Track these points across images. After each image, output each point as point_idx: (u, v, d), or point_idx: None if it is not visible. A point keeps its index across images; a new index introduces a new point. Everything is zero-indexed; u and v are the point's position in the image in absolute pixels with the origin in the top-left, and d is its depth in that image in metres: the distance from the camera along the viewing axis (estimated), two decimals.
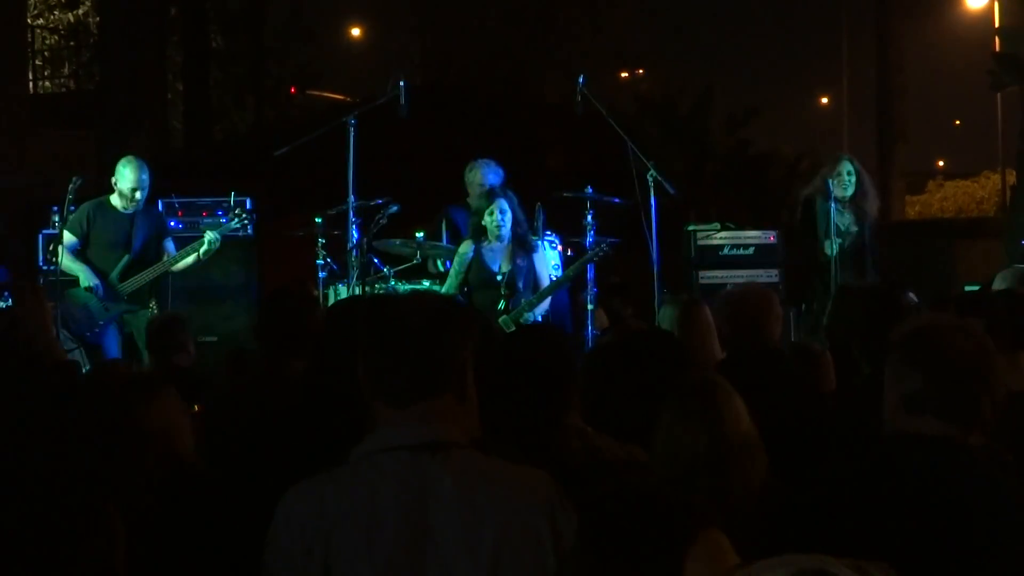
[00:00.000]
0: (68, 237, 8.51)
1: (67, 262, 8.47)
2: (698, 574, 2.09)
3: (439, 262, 9.51)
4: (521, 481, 2.74)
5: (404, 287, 9.11)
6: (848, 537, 2.85)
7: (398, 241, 9.28)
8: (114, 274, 8.49)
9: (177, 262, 8.64)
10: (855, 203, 9.00)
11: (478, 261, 8.61)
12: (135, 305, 8.52)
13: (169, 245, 8.86)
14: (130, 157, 8.79)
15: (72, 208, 8.52)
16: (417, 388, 2.71)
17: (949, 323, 2.95)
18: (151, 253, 8.68)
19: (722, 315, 5.58)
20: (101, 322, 8.37)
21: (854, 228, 8.93)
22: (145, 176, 8.60)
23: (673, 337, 5.00)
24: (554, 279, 8.82)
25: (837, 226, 8.83)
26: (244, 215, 8.95)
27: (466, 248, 8.66)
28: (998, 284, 7.59)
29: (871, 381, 4.67)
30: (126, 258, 8.53)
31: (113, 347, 8.36)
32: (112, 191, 8.67)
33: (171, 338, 6.64)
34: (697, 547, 2.13)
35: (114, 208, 8.64)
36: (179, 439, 3.71)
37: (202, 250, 8.56)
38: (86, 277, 8.43)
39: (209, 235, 8.58)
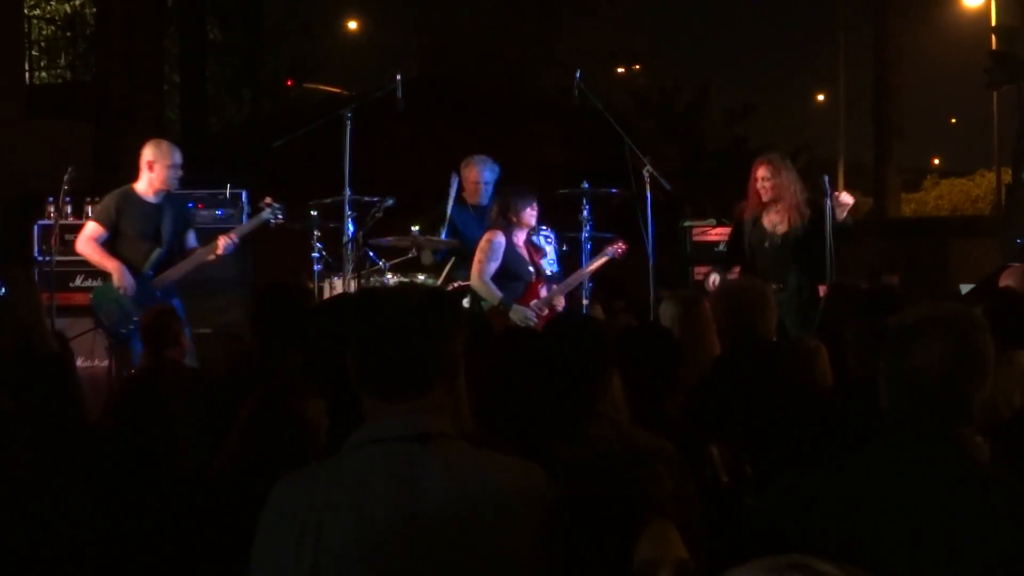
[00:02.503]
0: (96, 228, 8.31)
1: (96, 256, 8.28)
2: (647, 553, 2.46)
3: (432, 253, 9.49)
4: (510, 471, 2.76)
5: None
6: (840, 532, 2.85)
7: (393, 236, 9.26)
8: (147, 269, 8.26)
9: (204, 258, 8.40)
10: (778, 207, 8.39)
11: (512, 252, 8.63)
12: (167, 297, 8.23)
13: (191, 236, 8.61)
14: (159, 140, 8.57)
15: (67, 199, 8.45)
16: (408, 382, 2.73)
17: (946, 314, 2.94)
18: (177, 245, 8.44)
19: (718, 308, 5.59)
20: (136, 319, 8.21)
21: (779, 231, 8.41)
22: (180, 156, 8.40)
23: (666, 332, 5.01)
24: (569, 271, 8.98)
25: (763, 227, 8.43)
26: (277, 208, 8.65)
27: (499, 237, 8.62)
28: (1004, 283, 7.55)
29: (866, 377, 4.69)
30: (158, 251, 8.29)
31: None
32: (134, 180, 8.41)
33: (164, 331, 6.60)
34: (648, 532, 2.47)
35: (141, 198, 8.36)
36: None
37: (213, 251, 8.38)
38: (119, 276, 8.17)
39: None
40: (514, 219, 8.60)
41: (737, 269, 8.48)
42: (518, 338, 4.76)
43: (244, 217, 10.39)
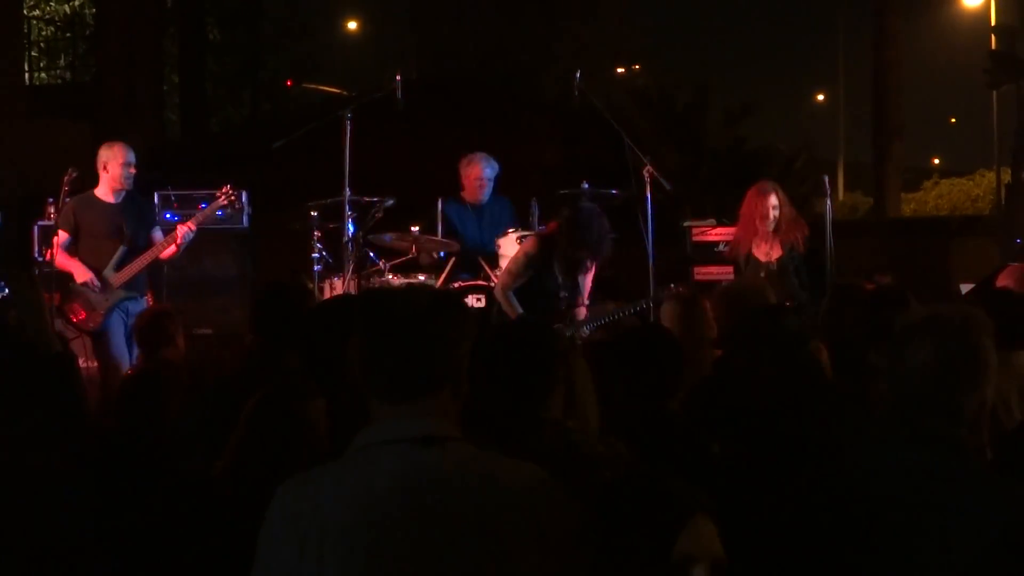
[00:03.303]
0: (62, 235, 8.45)
1: (61, 259, 8.43)
2: (685, 548, 2.42)
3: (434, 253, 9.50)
4: (514, 474, 2.74)
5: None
6: (840, 530, 2.86)
7: (393, 235, 9.27)
8: (110, 268, 8.37)
9: (159, 252, 8.51)
10: (770, 235, 8.51)
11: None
12: (132, 292, 8.42)
13: (157, 234, 8.73)
14: (111, 141, 8.72)
15: (68, 200, 8.50)
16: (416, 384, 2.72)
17: (944, 315, 2.95)
18: (142, 242, 8.55)
19: (719, 309, 5.60)
20: (103, 312, 8.32)
21: (773, 257, 8.50)
22: (132, 154, 8.55)
23: (667, 333, 5.01)
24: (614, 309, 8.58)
25: (756, 259, 8.52)
26: (231, 194, 8.85)
27: (535, 249, 8.17)
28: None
29: (866, 375, 4.70)
30: (121, 249, 8.41)
31: (119, 338, 8.30)
32: (95, 186, 8.56)
33: (160, 332, 6.60)
34: (688, 528, 2.44)
35: (100, 201, 8.53)
36: None
37: (172, 240, 8.50)
38: (79, 273, 8.34)
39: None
40: (577, 255, 7.98)
41: None
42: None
43: (244, 218, 10.41)
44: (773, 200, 8.51)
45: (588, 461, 3.46)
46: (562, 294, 8.22)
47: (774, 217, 8.46)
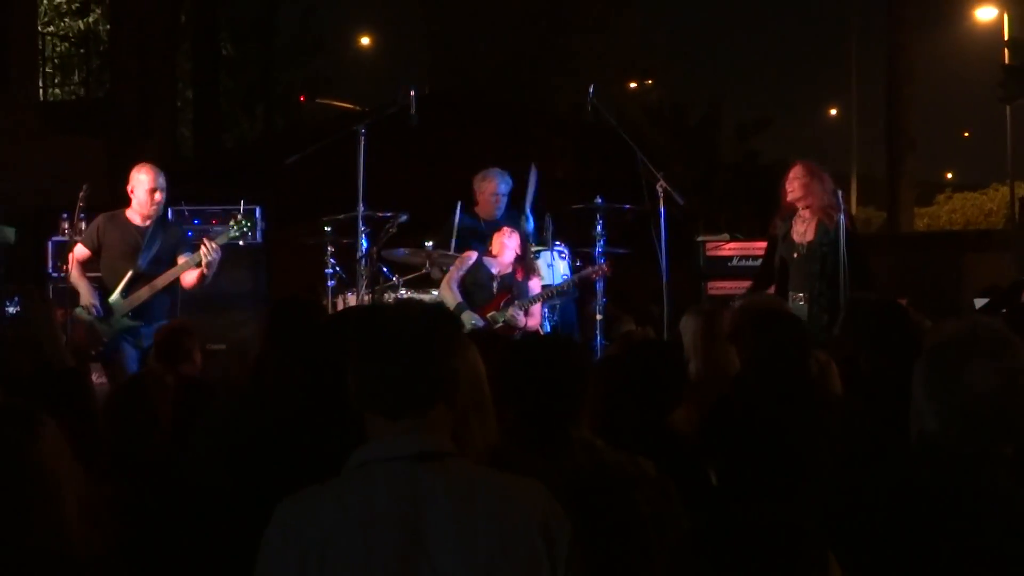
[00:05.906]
0: (80, 250, 8.29)
1: (75, 275, 8.26)
2: None
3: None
4: (514, 490, 2.75)
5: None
6: (872, 545, 2.82)
7: (407, 251, 9.28)
8: (116, 294, 8.13)
9: (170, 278, 8.18)
10: (805, 214, 8.26)
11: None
12: (138, 321, 8.12)
13: (182, 257, 8.29)
14: (143, 163, 8.46)
15: (82, 216, 8.45)
16: (409, 399, 2.73)
17: (995, 334, 2.90)
18: (163, 271, 8.21)
19: (734, 327, 5.56)
20: (106, 339, 8.13)
21: (805, 241, 8.46)
22: (162, 180, 8.27)
23: (671, 347, 5.00)
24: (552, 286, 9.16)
25: (792, 239, 8.33)
26: (245, 225, 8.48)
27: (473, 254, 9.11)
28: None
29: (876, 389, 4.69)
30: (130, 274, 8.15)
31: (130, 361, 8.02)
32: (128, 204, 8.32)
33: (177, 347, 6.59)
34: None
35: (127, 221, 8.28)
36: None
37: (195, 262, 8.10)
38: (84, 295, 8.13)
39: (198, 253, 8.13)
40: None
41: (772, 289, 8.38)
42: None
43: (258, 234, 10.40)
44: (793, 172, 8.29)
45: (618, 482, 3.43)
46: (494, 284, 9.07)
47: (792, 187, 8.27)
